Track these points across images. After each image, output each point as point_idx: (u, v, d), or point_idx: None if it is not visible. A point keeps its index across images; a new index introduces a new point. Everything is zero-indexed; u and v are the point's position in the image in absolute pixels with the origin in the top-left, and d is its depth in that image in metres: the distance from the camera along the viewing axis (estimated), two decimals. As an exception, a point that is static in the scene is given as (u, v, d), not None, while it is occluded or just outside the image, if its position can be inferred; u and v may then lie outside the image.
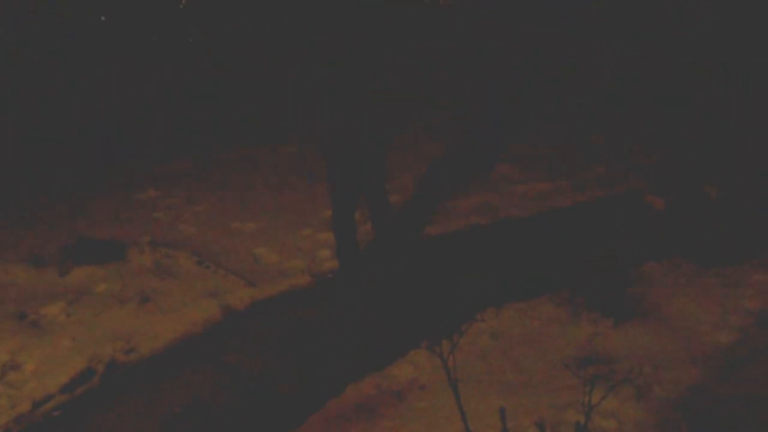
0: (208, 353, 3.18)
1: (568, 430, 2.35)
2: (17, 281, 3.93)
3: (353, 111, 3.58)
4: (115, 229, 4.58)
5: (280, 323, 3.41)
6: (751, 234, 3.79)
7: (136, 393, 2.93)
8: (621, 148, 5.38)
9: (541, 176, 4.94)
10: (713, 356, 2.74)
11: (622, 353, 2.80)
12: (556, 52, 8.05)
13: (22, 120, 6.64)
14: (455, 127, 6.34)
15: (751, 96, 6.08)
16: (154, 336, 3.30)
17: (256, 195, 5.07)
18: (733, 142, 5.25)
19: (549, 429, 2.32)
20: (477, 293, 3.40)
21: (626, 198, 4.49)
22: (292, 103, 6.11)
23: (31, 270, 4.01)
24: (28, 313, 3.57)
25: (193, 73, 7.45)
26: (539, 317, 3.16)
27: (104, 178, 5.70)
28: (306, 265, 3.94)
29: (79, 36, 7.35)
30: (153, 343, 3.26)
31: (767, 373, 2.58)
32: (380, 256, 3.92)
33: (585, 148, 5.45)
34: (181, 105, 7.11)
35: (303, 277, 3.80)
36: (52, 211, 5.00)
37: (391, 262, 3.88)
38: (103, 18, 7.54)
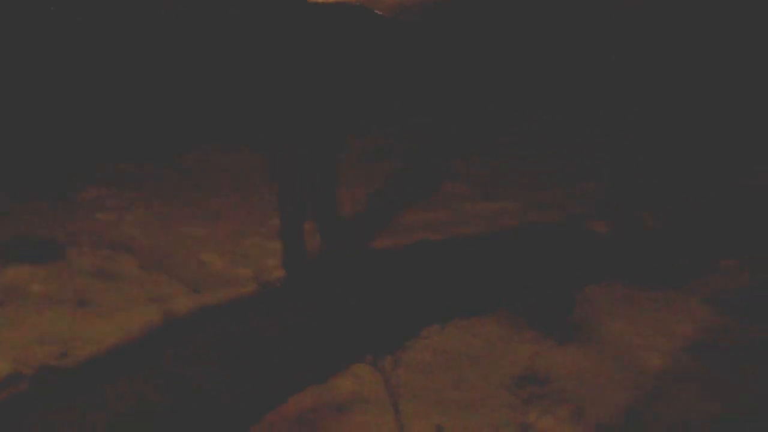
0: (146, 360, 3.09)
1: (505, 448, 2.39)
2: (-55, 278, 3.75)
3: (306, 117, 3.59)
4: (54, 228, 4.43)
5: (223, 331, 3.34)
6: (685, 259, 3.96)
7: (67, 400, 2.82)
8: (569, 173, 5.54)
9: (492, 196, 5.03)
10: (646, 379, 2.84)
11: (561, 373, 2.87)
12: (516, 73, 8.27)
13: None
14: (408, 142, 6.41)
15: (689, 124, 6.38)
16: (90, 340, 3.20)
17: (205, 200, 5.00)
18: (668, 170, 5.49)
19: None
20: (422, 309, 3.43)
21: (570, 222, 4.62)
22: (246, 109, 6.07)
23: (-39, 267, 3.83)
24: (-46, 312, 3.40)
25: (153, 73, 7.34)
26: (483, 335, 3.21)
27: (45, 175, 5.50)
28: (253, 273, 3.89)
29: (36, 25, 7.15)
30: (88, 348, 3.15)
31: (696, 397, 2.68)
32: (327, 268, 3.91)
33: (535, 171, 5.59)
34: (136, 103, 6.99)
35: (249, 285, 3.75)
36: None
37: (337, 274, 3.87)
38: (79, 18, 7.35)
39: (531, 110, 7.41)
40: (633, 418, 2.58)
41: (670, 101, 7.34)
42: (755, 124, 6.50)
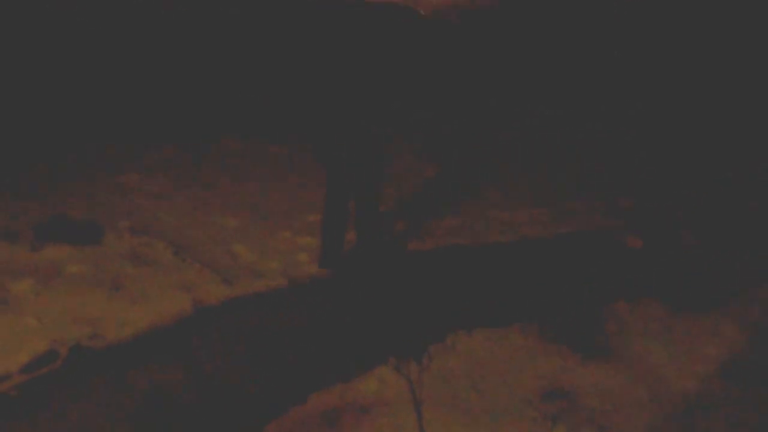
0: (175, 347, 3.15)
1: (525, 462, 2.37)
2: (-12, 253, 3.87)
3: (353, 114, 3.62)
4: (93, 210, 4.53)
5: (251, 324, 3.39)
6: (722, 282, 3.87)
7: (98, 380, 2.89)
8: (602, 181, 5.46)
9: (525, 204, 4.98)
10: (674, 402, 2.79)
11: (587, 390, 2.83)
12: (553, 78, 8.18)
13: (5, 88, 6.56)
14: (445, 146, 6.39)
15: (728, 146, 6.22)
16: (122, 324, 3.27)
17: (241, 191, 5.05)
18: (710, 189, 5.36)
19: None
20: (449, 315, 3.42)
21: (603, 235, 4.55)
22: (290, 103, 6.12)
23: (2, 244, 3.95)
24: (-5, 287, 3.51)
25: (195, 61, 7.44)
26: (509, 346, 3.19)
27: (87, 158, 5.63)
28: (283, 268, 3.93)
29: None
30: (120, 331, 3.22)
31: (725, 425, 2.63)
32: (359, 266, 3.93)
33: (570, 181, 5.52)
34: (178, 92, 7.09)
35: (279, 279, 3.79)
36: (28, 187, 4.92)
37: (368, 274, 3.89)
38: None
39: (558, 115, 7.33)
40: (658, 441, 2.54)
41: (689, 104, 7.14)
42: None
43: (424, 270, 4.02)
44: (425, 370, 2.25)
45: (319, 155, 3.79)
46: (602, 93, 7.76)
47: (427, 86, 7.64)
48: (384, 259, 4.06)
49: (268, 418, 2.71)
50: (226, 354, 3.12)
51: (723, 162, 6.03)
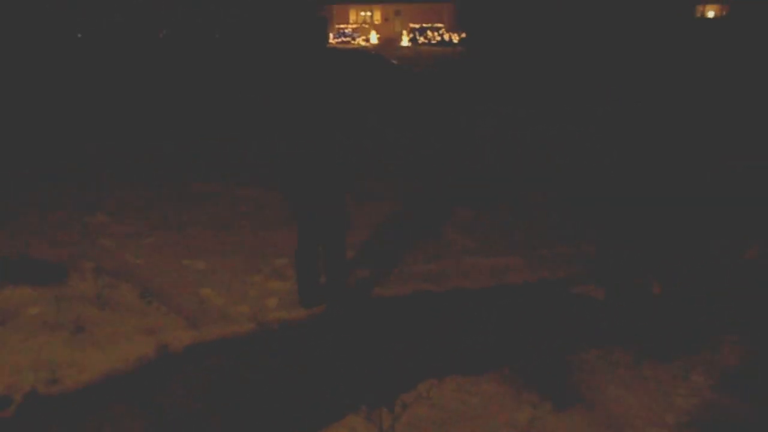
0: (136, 393, 3.04)
1: None
2: (-57, 293, 3.72)
3: (320, 156, 3.64)
4: (56, 250, 4.42)
5: (218, 370, 3.30)
6: (689, 329, 3.91)
7: (52, 429, 2.76)
8: (575, 232, 5.54)
9: (496, 251, 5.02)
10: (646, 452, 2.77)
11: (559, 440, 2.80)
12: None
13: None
14: (412, 189, 6.44)
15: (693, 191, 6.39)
16: (83, 368, 3.15)
17: (209, 234, 4.99)
18: (676, 238, 5.48)
19: None
20: (420, 362, 3.38)
21: (573, 282, 4.59)
22: (259, 147, 6.15)
23: (-40, 283, 3.81)
24: (-51, 329, 3.37)
25: (167, 105, 7.46)
26: (480, 394, 3.15)
27: (52, 197, 5.52)
28: (251, 312, 3.86)
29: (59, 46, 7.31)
30: (79, 376, 3.10)
31: (697, 477, 2.61)
32: (329, 312, 3.89)
33: (542, 229, 5.58)
34: (147, 135, 7.06)
35: (247, 324, 3.71)
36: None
37: (337, 320, 3.84)
38: (78, 35, 7.51)
39: (530, 153, 7.49)
40: (631, 493, 2.50)
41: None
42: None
43: (395, 316, 3.99)
44: (398, 419, 2.20)
45: (291, 201, 3.80)
46: (568, 136, 7.96)
47: (397, 129, 7.78)
48: (354, 306, 4.02)
49: (232, 469, 2.61)
50: (190, 402, 3.01)
51: (689, 210, 6.19)
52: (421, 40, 35.30)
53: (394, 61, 10.61)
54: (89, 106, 7.00)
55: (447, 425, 2.88)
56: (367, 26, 39.97)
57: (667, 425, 2.97)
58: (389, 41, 35.45)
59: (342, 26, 38.94)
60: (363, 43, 34.88)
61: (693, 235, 5.59)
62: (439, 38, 35.00)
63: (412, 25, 37.74)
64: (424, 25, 37.31)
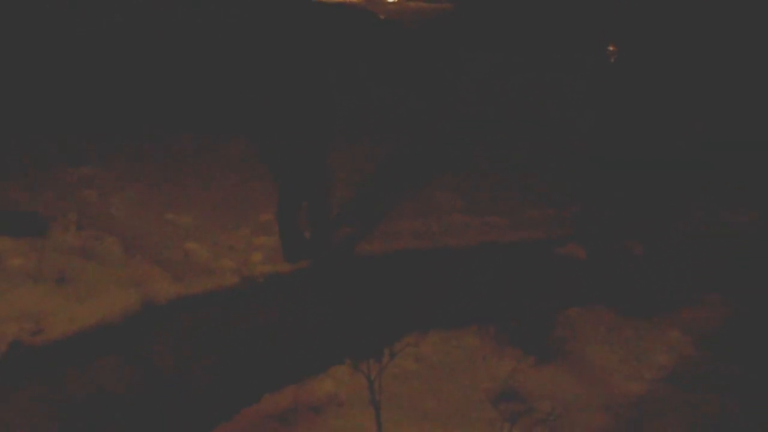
0: (122, 344, 3.05)
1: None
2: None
3: (303, 109, 3.59)
4: (38, 203, 4.35)
5: (203, 322, 3.31)
6: (669, 289, 3.98)
7: (37, 377, 2.76)
8: (560, 194, 5.56)
9: (481, 210, 5.02)
10: (624, 406, 2.84)
11: (540, 393, 2.86)
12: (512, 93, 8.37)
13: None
14: (399, 146, 6.39)
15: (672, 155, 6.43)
16: (67, 319, 3.14)
17: (195, 188, 4.94)
18: (660, 201, 5.53)
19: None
20: (405, 316, 3.41)
21: (557, 242, 4.63)
22: (248, 99, 6.05)
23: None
24: (-71, 279, 3.32)
25: (150, 58, 7.29)
26: (464, 348, 3.19)
27: (33, 149, 5.41)
28: (236, 266, 3.85)
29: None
30: (64, 327, 3.09)
31: (673, 428, 2.69)
32: (314, 266, 3.89)
33: (527, 190, 5.59)
34: (131, 88, 6.91)
35: (232, 278, 3.71)
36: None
37: (323, 274, 3.85)
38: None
39: (514, 115, 7.49)
40: (608, 444, 2.58)
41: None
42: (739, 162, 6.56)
43: (380, 272, 4.01)
44: (384, 368, 2.23)
45: (266, 155, 3.76)
46: (556, 103, 7.94)
47: (384, 87, 7.71)
48: (339, 261, 4.03)
49: (219, 419, 2.64)
50: (176, 353, 3.02)
51: (670, 169, 6.22)
52: (410, -4, 34.62)
53: (381, 17, 10.42)
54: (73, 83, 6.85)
55: (431, 378, 2.93)
56: (354, -19, 39.10)
57: (644, 379, 3.05)
58: (377, -3, 34.66)
59: (329, -20, 38.08)
60: (350, -1, 34.08)
61: (675, 196, 5.64)
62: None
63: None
64: (413, -20, 36.54)
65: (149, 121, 6.29)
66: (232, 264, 3.87)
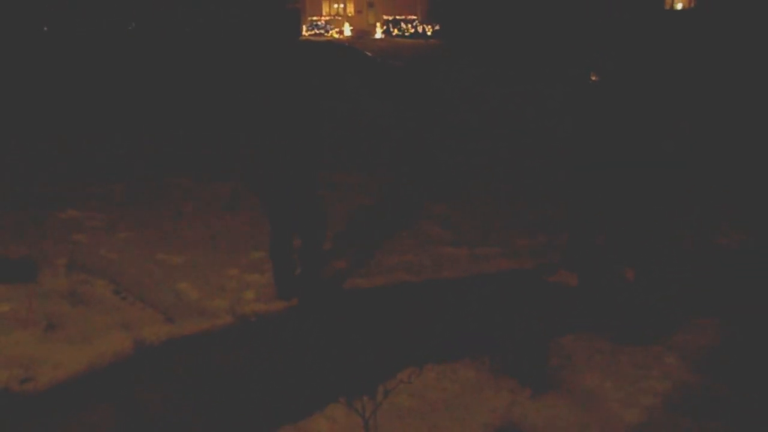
0: (113, 389, 3.00)
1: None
2: None
3: (293, 147, 3.62)
4: (27, 246, 4.33)
5: (195, 363, 3.27)
6: (663, 315, 3.98)
7: (27, 427, 2.71)
8: (550, 222, 5.59)
9: (471, 241, 5.04)
10: (622, 435, 2.82)
11: (538, 424, 2.84)
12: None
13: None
14: (389, 181, 6.44)
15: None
16: (57, 366, 3.09)
17: (185, 228, 4.93)
18: (650, 226, 5.56)
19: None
20: (399, 352, 3.39)
21: (549, 271, 4.64)
22: (236, 140, 6.10)
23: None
24: None
25: (144, 101, 7.35)
26: (459, 381, 3.17)
27: (22, 192, 5.41)
28: (229, 305, 3.82)
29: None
30: (54, 374, 3.05)
31: (673, 456, 2.67)
32: (307, 304, 3.87)
33: (517, 219, 5.62)
34: (121, 131, 6.95)
35: (225, 317, 3.68)
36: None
37: (315, 312, 3.83)
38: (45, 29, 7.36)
39: (499, 148, 7.56)
40: (608, 474, 2.55)
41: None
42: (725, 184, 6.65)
43: (373, 307, 3.99)
44: (379, 407, 2.21)
45: (262, 195, 3.78)
46: (541, 129, 8.03)
47: (372, 121, 7.79)
48: (331, 297, 4.02)
49: (213, 463, 2.59)
50: (168, 396, 2.98)
51: (662, 197, 6.28)
52: (395, 32, 35.23)
53: (368, 53, 10.59)
54: (55, 100, 6.85)
55: (427, 413, 2.90)
56: (340, 18, 39.75)
57: (642, 407, 3.03)
58: (363, 33, 35.31)
59: (315, 18, 38.67)
60: (336, 36, 34.70)
61: (665, 221, 5.68)
62: (412, 30, 34.97)
63: (385, 17, 37.64)
64: (398, 17, 37.24)
65: (138, 163, 6.31)
66: (224, 303, 3.85)
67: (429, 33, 33.58)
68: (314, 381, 3.11)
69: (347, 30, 36.87)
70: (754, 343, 3.69)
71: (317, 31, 35.79)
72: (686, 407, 3.04)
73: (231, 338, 3.51)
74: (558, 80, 8.53)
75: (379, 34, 35.29)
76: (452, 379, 3.17)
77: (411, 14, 38.49)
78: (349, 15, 40.82)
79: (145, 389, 3.01)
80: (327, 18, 39.59)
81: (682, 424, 2.90)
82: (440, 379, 3.16)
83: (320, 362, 3.29)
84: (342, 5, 41.16)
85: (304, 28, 34.74)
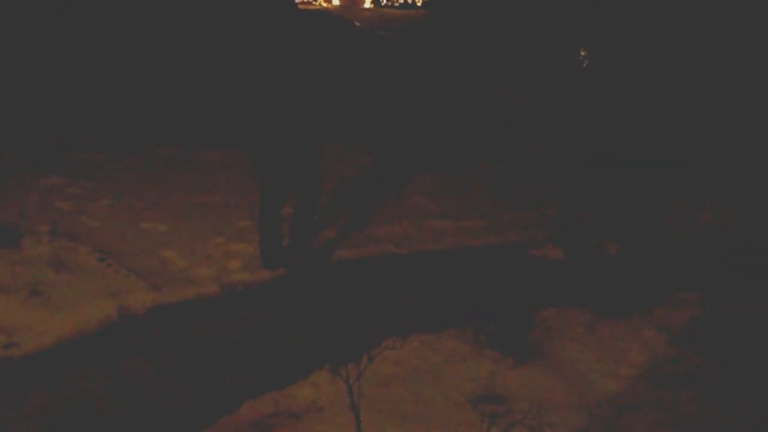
0: (98, 356, 3.01)
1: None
2: None
3: (284, 116, 3.59)
4: (9, 213, 4.28)
5: (181, 331, 3.28)
6: (643, 289, 4.05)
7: (10, 392, 2.72)
8: (535, 197, 5.62)
9: (457, 214, 5.07)
10: (601, 403, 2.88)
11: (519, 393, 2.89)
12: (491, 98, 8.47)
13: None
14: (377, 152, 6.42)
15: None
16: (41, 332, 3.08)
17: (171, 196, 4.89)
18: (633, 203, 5.62)
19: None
20: (383, 321, 3.43)
21: (533, 245, 4.68)
22: (227, 108, 6.02)
23: None
24: None
25: (132, 69, 7.22)
26: (443, 351, 3.21)
27: (3, 159, 5.32)
28: (215, 274, 3.82)
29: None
30: (39, 340, 3.04)
31: (649, 425, 2.74)
32: (294, 272, 3.89)
33: (502, 194, 5.65)
34: (110, 99, 6.83)
35: (211, 286, 3.68)
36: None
37: (303, 280, 3.85)
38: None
39: (490, 125, 7.57)
40: (586, 442, 2.61)
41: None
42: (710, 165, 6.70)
43: (360, 277, 4.01)
44: (363, 373, 2.24)
45: (254, 161, 3.76)
46: (533, 110, 8.04)
47: (360, 95, 7.74)
48: (318, 267, 4.03)
49: (198, 428, 2.62)
50: (154, 363, 3.00)
51: (646, 172, 6.33)
52: (384, 2, 34.75)
53: (357, 23, 10.47)
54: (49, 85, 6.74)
55: (411, 381, 2.94)
56: (328, -13, 39.11)
57: (621, 377, 3.10)
58: (352, 3, 34.78)
59: (303, -13, 38.05)
60: (324, 5, 34.14)
61: (649, 198, 5.74)
62: (402, 0, 34.54)
63: (375, -14, 37.10)
64: (388, -14, 36.71)
65: (127, 132, 6.22)
66: (210, 272, 3.84)
67: (419, 3, 33.19)
68: (299, 349, 3.14)
69: (336, -1, 36.31)
70: (731, 317, 3.77)
71: (305, 0, 35.22)
72: (662, 378, 3.11)
73: (216, 307, 3.52)
74: (546, 73, 8.53)
75: (368, 3, 34.79)
76: (436, 349, 3.21)
77: (401, -16, 37.95)
78: (338, -16, 40.17)
79: (131, 356, 3.02)
80: (315, -14, 38.94)
81: (658, 394, 2.98)
82: (424, 349, 3.20)
83: (306, 331, 3.32)
84: (331, -26, 40.44)
85: (292, -4, 34.14)
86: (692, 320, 3.72)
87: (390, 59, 9.14)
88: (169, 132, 6.33)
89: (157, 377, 2.89)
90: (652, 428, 2.73)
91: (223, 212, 4.68)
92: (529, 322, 3.59)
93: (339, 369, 2.26)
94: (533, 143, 7.17)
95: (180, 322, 3.35)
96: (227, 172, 5.44)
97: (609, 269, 4.38)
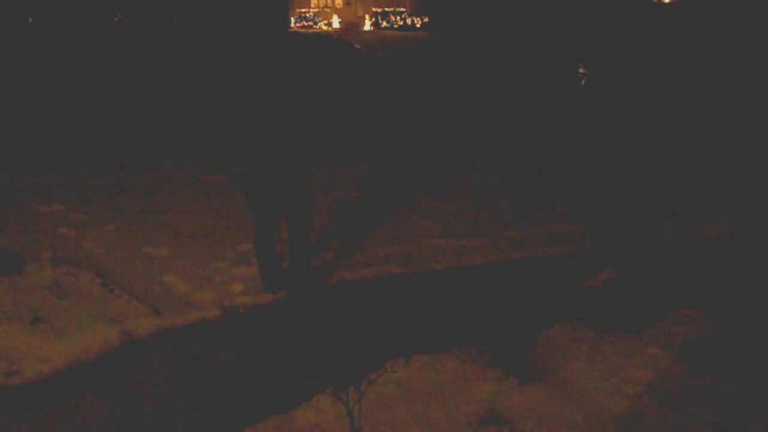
0: (99, 382, 3.00)
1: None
2: None
3: (280, 140, 3.61)
4: (11, 239, 4.30)
5: (182, 355, 3.27)
6: (648, 306, 4.02)
7: (12, 420, 2.71)
8: (536, 211, 5.62)
9: (458, 233, 5.07)
10: (606, 423, 2.85)
11: (523, 414, 2.86)
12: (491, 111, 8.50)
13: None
14: (376, 172, 6.44)
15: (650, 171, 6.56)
16: (42, 359, 3.08)
17: (172, 220, 4.92)
18: (634, 218, 5.61)
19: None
20: (385, 343, 3.41)
21: (535, 262, 4.67)
22: (224, 131, 6.08)
23: None
24: None
25: (131, 95, 7.29)
26: (446, 371, 3.19)
27: (6, 183, 5.36)
28: (216, 298, 3.82)
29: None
30: (40, 367, 3.04)
31: (654, 444, 2.70)
32: (294, 296, 3.88)
33: (505, 211, 5.65)
34: (111, 119, 6.90)
35: (213, 310, 3.68)
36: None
37: (303, 303, 3.84)
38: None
39: (490, 143, 7.58)
40: (592, 462, 2.58)
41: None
42: (710, 176, 6.71)
43: (361, 298, 4.00)
44: (364, 396, 2.22)
45: (240, 183, 3.77)
46: (534, 127, 8.07)
47: (360, 113, 7.80)
48: (319, 289, 4.02)
49: (199, 454, 2.60)
50: (155, 388, 2.98)
51: (646, 186, 6.34)
52: (384, 24, 35.13)
53: (357, 46, 10.56)
54: (40, 93, 6.79)
55: (414, 403, 2.92)
56: (328, 10, 39.58)
57: (626, 395, 3.06)
58: (351, 25, 35.17)
59: (303, 10, 38.49)
60: (325, 28, 34.56)
61: (653, 213, 5.73)
62: (401, 22, 34.89)
63: (374, 9, 37.54)
64: (387, 9, 37.17)
65: (126, 158, 6.27)
66: (211, 296, 3.85)
67: (418, 25, 33.53)
68: (301, 372, 3.13)
69: (336, 22, 36.72)
70: (737, 332, 3.74)
71: (306, 23, 35.62)
72: (669, 396, 3.08)
73: (218, 331, 3.51)
74: (544, 77, 8.59)
75: (367, 26, 35.19)
76: (438, 370, 3.19)
77: (400, 6, 38.41)
78: (338, 7, 40.66)
79: (131, 382, 3.01)
80: (315, 10, 39.42)
81: (665, 412, 2.94)
82: (426, 370, 3.18)
83: (308, 354, 3.30)
84: (330, -3, 40.96)
85: (293, 20, 34.58)
86: (697, 335, 3.68)
87: (389, 79, 9.21)
88: (173, 155, 6.38)
89: (158, 403, 2.88)
90: (658, 447, 2.70)
91: (225, 236, 4.69)
92: (533, 341, 3.56)
93: (340, 392, 2.25)
94: (533, 158, 7.19)
95: (181, 347, 3.34)
96: (229, 195, 5.47)
97: (612, 286, 4.35)
